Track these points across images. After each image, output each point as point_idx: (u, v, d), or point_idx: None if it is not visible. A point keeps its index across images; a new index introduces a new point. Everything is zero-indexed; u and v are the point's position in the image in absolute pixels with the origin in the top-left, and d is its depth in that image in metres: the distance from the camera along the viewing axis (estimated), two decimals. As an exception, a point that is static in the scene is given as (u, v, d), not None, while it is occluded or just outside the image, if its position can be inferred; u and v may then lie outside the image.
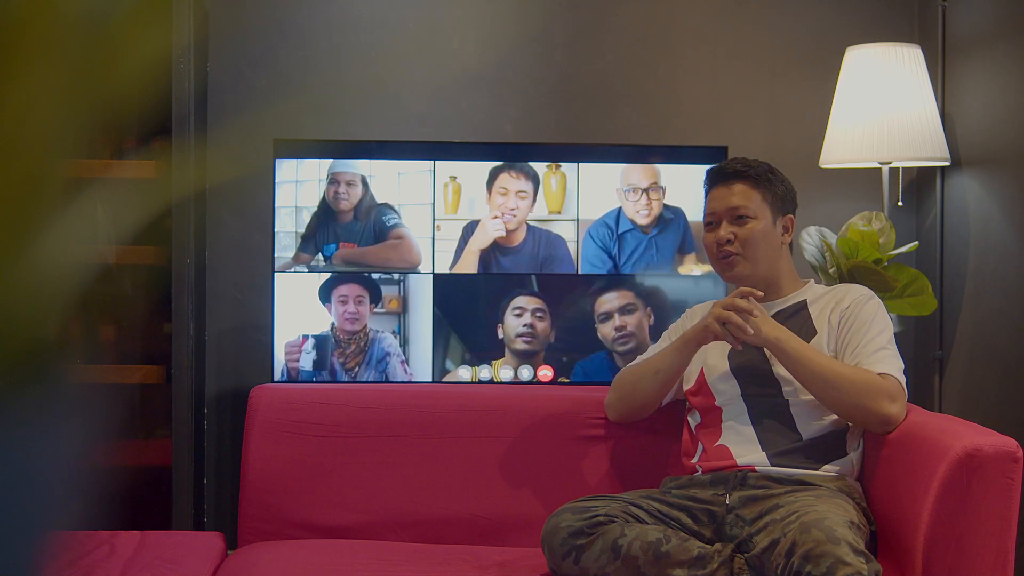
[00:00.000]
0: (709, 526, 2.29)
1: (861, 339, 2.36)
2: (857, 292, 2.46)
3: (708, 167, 2.57)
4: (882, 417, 2.28)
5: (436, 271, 2.89)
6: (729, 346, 2.47)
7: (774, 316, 2.49)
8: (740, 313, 2.32)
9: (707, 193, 2.53)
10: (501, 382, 2.89)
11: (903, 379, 2.34)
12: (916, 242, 3.00)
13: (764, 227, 2.46)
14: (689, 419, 2.56)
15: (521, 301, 2.91)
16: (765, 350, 2.43)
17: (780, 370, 2.41)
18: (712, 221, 2.49)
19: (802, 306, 2.49)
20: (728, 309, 2.33)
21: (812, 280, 2.59)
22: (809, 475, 2.33)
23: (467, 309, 2.92)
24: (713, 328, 2.36)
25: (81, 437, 0.63)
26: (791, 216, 2.52)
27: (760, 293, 2.39)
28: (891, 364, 2.33)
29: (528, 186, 2.91)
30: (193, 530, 2.82)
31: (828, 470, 2.35)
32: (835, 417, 2.38)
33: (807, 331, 2.44)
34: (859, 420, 2.33)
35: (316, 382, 2.85)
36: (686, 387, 2.55)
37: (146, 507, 2.92)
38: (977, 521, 2.04)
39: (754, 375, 2.44)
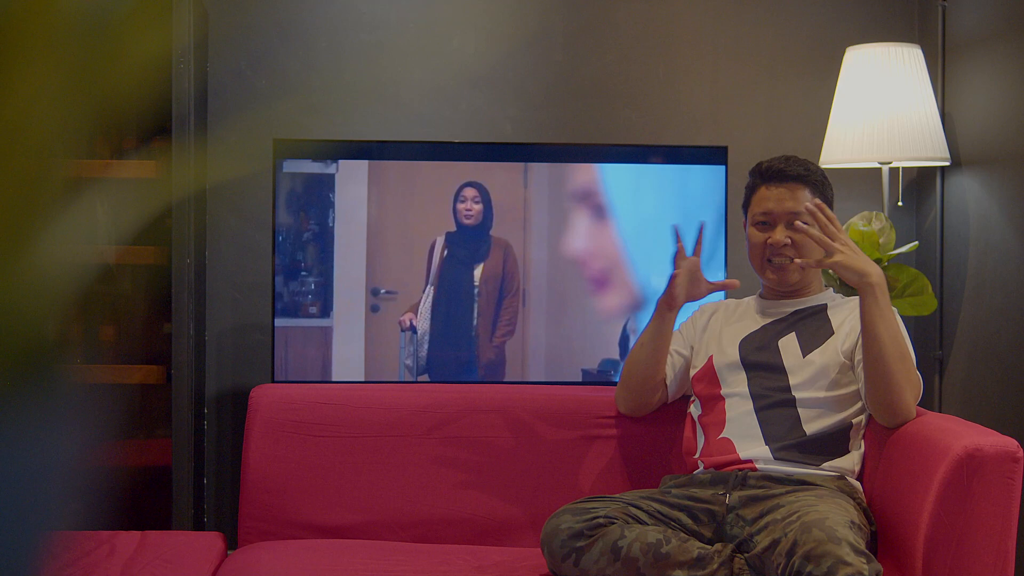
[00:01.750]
0: (709, 526, 2.29)
1: None
2: None
3: (759, 162, 2.53)
4: (904, 407, 2.26)
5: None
6: (741, 336, 2.48)
7: (794, 314, 2.49)
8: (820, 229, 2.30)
9: (757, 189, 2.50)
10: (502, 382, 2.89)
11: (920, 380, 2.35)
12: (916, 242, 3.00)
13: (817, 234, 2.46)
14: (692, 410, 2.55)
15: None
16: (779, 344, 2.44)
17: (789, 362, 2.42)
18: (767, 221, 2.47)
19: (822, 308, 2.50)
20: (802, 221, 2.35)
21: (832, 288, 2.59)
22: (809, 474, 2.32)
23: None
24: (672, 290, 2.44)
25: (81, 437, 0.63)
26: None
27: (737, 283, 2.46)
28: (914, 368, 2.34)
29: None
30: (193, 530, 2.82)
31: (829, 469, 2.35)
32: (840, 416, 2.38)
33: (824, 331, 2.45)
34: (881, 403, 2.29)
35: (316, 382, 2.85)
36: (693, 372, 2.55)
37: (146, 507, 2.92)
38: (977, 521, 2.03)
39: (763, 367, 2.44)
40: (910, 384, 2.27)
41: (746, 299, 2.61)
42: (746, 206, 2.54)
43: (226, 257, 3.09)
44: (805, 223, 2.34)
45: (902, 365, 2.25)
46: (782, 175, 2.47)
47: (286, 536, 2.61)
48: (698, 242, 2.48)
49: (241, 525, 2.65)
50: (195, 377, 2.88)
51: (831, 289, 2.59)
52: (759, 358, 2.45)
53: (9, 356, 0.59)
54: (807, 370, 2.40)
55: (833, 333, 2.44)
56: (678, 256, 2.46)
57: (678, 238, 2.47)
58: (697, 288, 2.49)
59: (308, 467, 2.67)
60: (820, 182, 2.49)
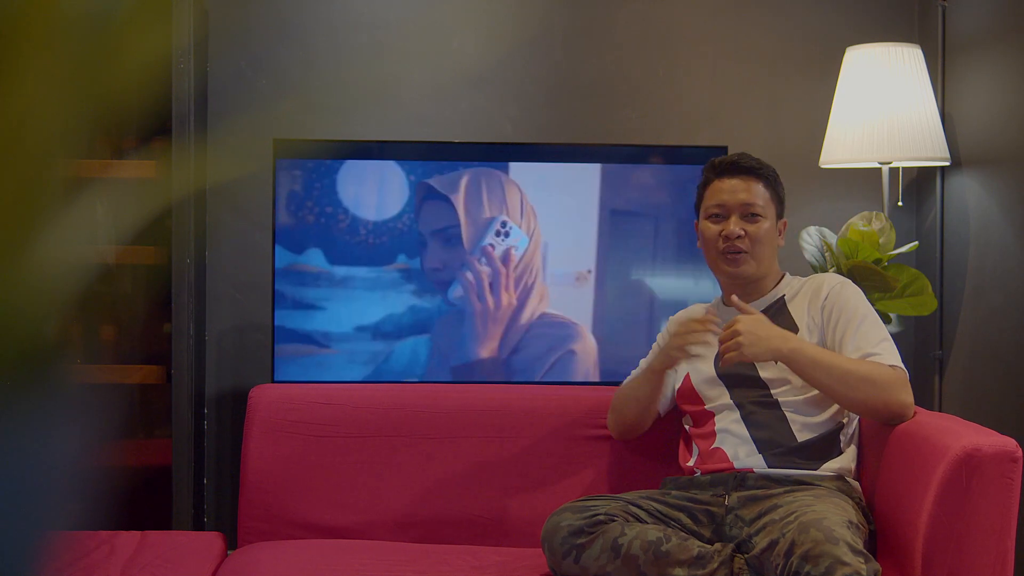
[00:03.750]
0: (709, 526, 2.29)
1: (856, 330, 2.34)
2: (831, 280, 2.45)
3: (713, 158, 2.54)
4: (900, 408, 2.27)
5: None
6: (713, 352, 2.46)
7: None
8: (730, 339, 2.29)
9: (710, 183, 2.50)
10: (501, 382, 2.89)
11: (902, 366, 2.34)
12: (916, 242, 3.00)
13: (770, 227, 2.46)
14: (684, 423, 2.56)
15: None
16: None
17: (767, 373, 2.41)
18: (720, 213, 2.46)
19: (781, 304, 2.48)
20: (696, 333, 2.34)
21: (787, 273, 2.57)
22: (808, 475, 2.32)
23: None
24: (674, 355, 2.40)
25: (81, 437, 0.63)
26: (785, 220, 2.54)
27: (717, 320, 2.39)
28: (895, 355, 2.33)
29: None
30: (193, 530, 2.82)
31: (826, 469, 2.34)
32: (829, 415, 2.38)
33: (788, 328, 2.43)
34: (876, 414, 2.31)
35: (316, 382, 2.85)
36: (676, 394, 2.55)
37: (146, 507, 2.92)
38: (977, 521, 2.03)
39: (741, 380, 2.43)
40: (888, 387, 2.27)
41: (711, 303, 2.61)
42: (698, 204, 2.53)
43: (226, 257, 3.09)
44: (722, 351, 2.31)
45: (863, 384, 2.26)
46: (736, 167, 2.48)
47: (286, 536, 2.62)
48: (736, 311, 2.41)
49: (241, 525, 2.65)
50: (195, 377, 2.88)
51: (786, 274, 2.55)
52: (735, 371, 2.43)
53: (9, 356, 0.59)
54: (783, 377, 2.39)
55: (797, 329, 2.42)
56: (700, 331, 2.38)
57: (712, 319, 2.39)
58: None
59: (308, 467, 2.67)
60: (773, 178, 2.50)
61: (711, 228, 2.47)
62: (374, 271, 2.89)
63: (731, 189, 2.46)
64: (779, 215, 2.51)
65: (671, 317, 2.65)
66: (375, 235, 2.89)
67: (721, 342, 2.31)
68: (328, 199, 2.86)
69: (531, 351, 2.92)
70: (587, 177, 2.92)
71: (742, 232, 2.43)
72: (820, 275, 2.52)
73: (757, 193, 2.45)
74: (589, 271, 2.92)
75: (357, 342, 2.88)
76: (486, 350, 2.91)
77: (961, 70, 3.02)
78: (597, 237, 2.92)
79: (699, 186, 2.54)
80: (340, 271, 2.88)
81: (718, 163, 2.51)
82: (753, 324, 2.30)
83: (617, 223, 2.92)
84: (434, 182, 2.90)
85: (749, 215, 2.44)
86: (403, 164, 2.89)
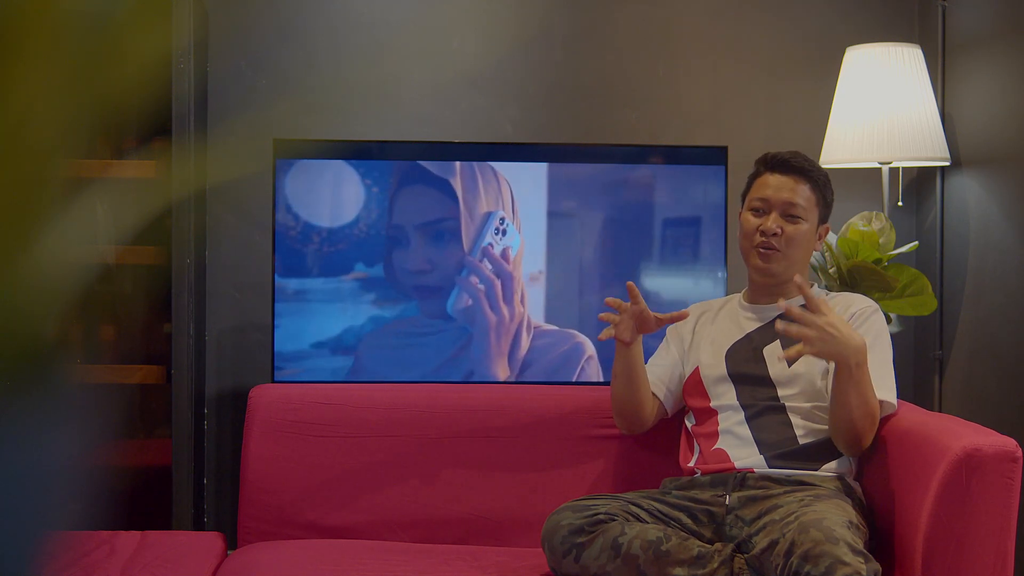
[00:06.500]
0: (709, 526, 2.29)
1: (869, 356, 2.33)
2: (863, 302, 2.45)
3: (768, 151, 2.52)
4: (861, 449, 2.31)
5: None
6: (727, 346, 2.47)
7: (779, 318, 2.48)
8: (797, 320, 2.23)
9: (759, 175, 2.50)
10: (501, 382, 2.89)
11: (894, 404, 2.34)
12: (916, 242, 3.00)
13: (808, 231, 2.46)
14: (685, 421, 2.55)
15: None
16: (764, 353, 2.43)
17: (776, 373, 2.41)
18: (761, 208, 2.46)
19: (803, 310, 2.48)
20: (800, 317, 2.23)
21: (816, 284, 2.58)
22: (808, 475, 2.33)
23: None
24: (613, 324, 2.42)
25: (81, 437, 0.63)
26: (827, 225, 2.53)
27: (687, 313, 2.49)
28: (893, 392, 2.35)
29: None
30: (193, 530, 2.82)
31: (827, 470, 2.35)
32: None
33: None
34: (840, 443, 2.32)
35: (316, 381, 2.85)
36: (683, 387, 2.55)
37: (146, 507, 2.92)
38: (977, 521, 2.04)
39: (750, 379, 2.43)
40: (873, 429, 2.30)
41: (732, 298, 2.61)
42: (745, 194, 2.54)
43: (226, 257, 3.09)
44: (783, 328, 2.25)
45: (868, 422, 2.27)
46: (786, 165, 2.47)
47: (286, 536, 2.62)
48: (633, 294, 2.43)
49: (241, 525, 2.65)
50: (195, 377, 2.88)
51: (815, 285, 2.57)
52: (745, 370, 2.44)
53: (9, 356, 0.59)
54: (793, 380, 2.40)
55: None
56: (619, 311, 2.43)
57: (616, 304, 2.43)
58: (647, 325, 2.45)
59: (308, 467, 2.67)
60: (822, 182, 2.49)
61: (751, 221, 2.47)
62: (330, 282, 2.83)
63: (776, 185, 2.46)
64: (822, 219, 2.50)
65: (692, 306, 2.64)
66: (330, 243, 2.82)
67: (786, 334, 2.24)
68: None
69: (540, 366, 2.86)
70: (586, 177, 2.92)
71: (778, 230, 2.44)
72: (853, 294, 2.51)
73: (801, 194, 2.45)
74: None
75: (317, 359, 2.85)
76: (501, 371, 2.84)
77: (961, 70, 3.03)
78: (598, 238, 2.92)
79: (749, 177, 2.55)
80: (292, 284, 2.83)
81: (770, 158, 2.50)
82: (837, 321, 2.22)
83: (613, 224, 2.92)
84: (427, 164, 2.82)
85: (790, 215, 2.44)
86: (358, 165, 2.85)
